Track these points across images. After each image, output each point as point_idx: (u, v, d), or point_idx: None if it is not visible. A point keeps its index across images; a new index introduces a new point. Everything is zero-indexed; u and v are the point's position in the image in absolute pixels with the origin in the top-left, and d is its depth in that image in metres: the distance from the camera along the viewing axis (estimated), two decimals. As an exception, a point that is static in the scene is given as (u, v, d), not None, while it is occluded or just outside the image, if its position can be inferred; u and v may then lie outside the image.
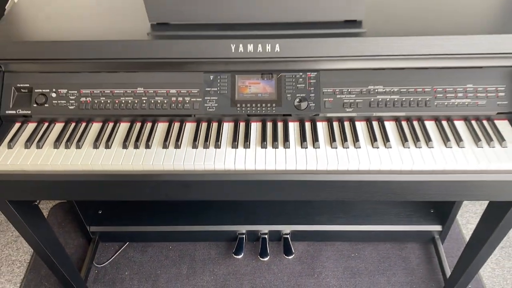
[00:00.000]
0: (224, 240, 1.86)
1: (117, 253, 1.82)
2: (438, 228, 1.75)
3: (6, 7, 1.75)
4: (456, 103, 1.16)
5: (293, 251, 1.73)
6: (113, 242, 1.87)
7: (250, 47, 1.15)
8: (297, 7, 1.17)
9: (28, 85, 1.20)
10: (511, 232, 1.86)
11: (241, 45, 1.15)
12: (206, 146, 1.13)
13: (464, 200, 1.37)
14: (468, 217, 1.94)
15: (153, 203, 1.86)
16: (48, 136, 1.17)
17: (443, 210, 1.74)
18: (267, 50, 1.15)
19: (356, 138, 1.13)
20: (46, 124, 1.21)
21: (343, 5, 1.17)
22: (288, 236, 1.78)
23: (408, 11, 1.25)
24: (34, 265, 1.79)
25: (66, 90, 1.20)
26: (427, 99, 1.16)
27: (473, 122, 1.16)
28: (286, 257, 1.71)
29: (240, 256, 1.71)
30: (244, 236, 1.78)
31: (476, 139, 1.11)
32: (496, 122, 1.16)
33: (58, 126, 1.20)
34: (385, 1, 1.30)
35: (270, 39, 1.15)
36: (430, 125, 1.16)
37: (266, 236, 1.78)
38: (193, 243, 1.86)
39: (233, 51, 1.16)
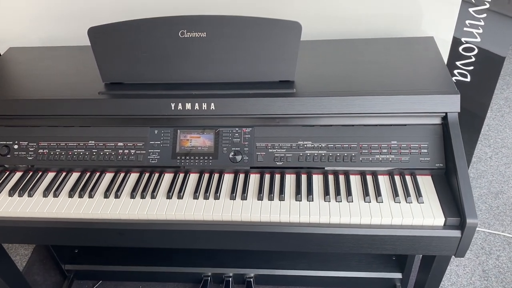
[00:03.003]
0: (191, 282, 1.92)
1: (90, 291, 1.91)
2: (398, 275, 1.76)
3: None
4: (380, 159, 1.22)
5: (255, 294, 1.78)
6: (88, 280, 1.96)
7: (188, 106, 1.26)
8: (233, 69, 1.28)
9: (-7, 137, 1.34)
10: (478, 282, 1.85)
11: (180, 104, 1.26)
12: (143, 196, 1.22)
13: (384, 253, 1.40)
14: (436, 265, 1.94)
15: (126, 243, 1.95)
16: (6, 185, 1.30)
17: (403, 258, 1.76)
18: (203, 108, 1.26)
19: (281, 191, 1.20)
20: (7, 173, 1.33)
21: (274, 67, 1.27)
22: (252, 279, 1.83)
23: (340, 73, 1.34)
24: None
25: (27, 142, 1.33)
26: (353, 154, 1.23)
27: (396, 177, 1.22)
28: (248, 300, 1.76)
29: (203, 298, 1.77)
30: (209, 278, 1.84)
31: (395, 195, 1.16)
32: (418, 177, 1.21)
33: (17, 176, 1.33)
34: (319, 63, 1.39)
35: (206, 98, 1.26)
36: (354, 180, 1.22)
37: (230, 279, 1.83)
38: (162, 283, 1.93)
39: (172, 109, 1.27)
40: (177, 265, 1.86)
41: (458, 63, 1.64)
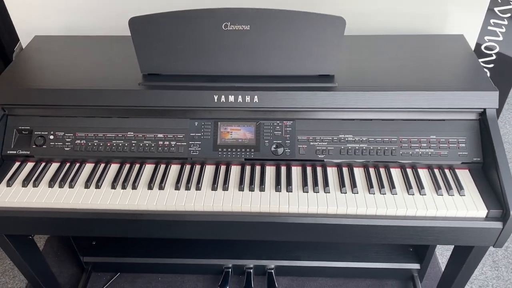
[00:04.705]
0: (211, 273, 1.93)
1: (108, 284, 1.89)
2: (416, 266, 1.81)
3: (14, 49, 1.90)
4: (420, 153, 1.25)
5: (277, 286, 1.80)
6: (105, 272, 1.94)
7: (231, 98, 1.27)
8: (275, 62, 1.29)
9: (28, 127, 1.31)
10: (489, 272, 1.92)
11: (223, 96, 1.26)
12: (187, 188, 1.23)
13: (427, 244, 1.45)
14: (448, 256, 2.00)
15: (145, 235, 1.94)
16: (44, 175, 1.28)
17: (421, 249, 1.81)
18: (246, 101, 1.27)
19: (326, 183, 1.22)
20: (43, 164, 1.31)
21: (317, 61, 1.28)
22: (272, 271, 1.85)
23: (377, 68, 1.36)
24: (28, 293, 1.87)
25: (63, 133, 1.31)
26: (393, 148, 1.26)
27: (436, 171, 1.25)
28: (269, 291, 1.78)
29: (225, 290, 1.79)
30: (230, 270, 1.85)
31: (437, 188, 1.20)
32: (457, 171, 1.25)
33: (54, 166, 1.31)
34: (356, 58, 1.41)
35: (249, 91, 1.26)
36: (395, 173, 1.25)
37: (251, 271, 1.85)
38: (181, 275, 1.93)
39: (215, 101, 1.27)
40: (197, 257, 1.87)
41: (479, 60, 1.69)
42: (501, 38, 1.62)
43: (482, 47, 1.66)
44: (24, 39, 1.67)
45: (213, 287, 1.88)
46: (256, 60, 1.29)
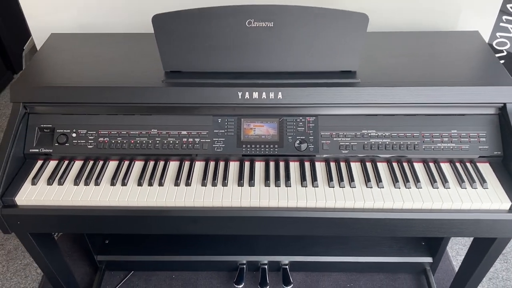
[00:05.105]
0: (226, 270, 1.94)
1: (122, 282, 1.89)
2: (429, 260, 1.84)
3: (24, 48, 1.88)
4: (442, 147, 1.28)
5: (292, 281, 1.81)
6: (119, 271, 1.94)
7: (255, 95, 1.27)
8: (299, 59, 1.30)
9: (50, 125, 1.31)
10: (498, 265, 1.96)
11: (247, 93, 1.27)
12: (214, 184, 1.23)
13: (450, 236, 1.47)
14: (458, 249, 2.04)
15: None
16: (68, 173, 1.27)
17: (433, 243, 1.84)
18: (270, 97, 1.27)
19: (351, 178, 1.24)
20: (66, 162, 1.30)
21: (340, 57, 1.30)
22: (287, 266, 1.86)
23: (397, 64, 1.38)
24: (41, 292, 1.86)
25: (86, 130, 1.31)
26: (416, 143, 1.28)
27: (458, 165, 1.27)
28: (285, 287, 1.79)
29: (241, 286, 1.79)
30: (244, 266, 1.86)
31: (460, 181, 1.22)
32: (478, 164, 1.27)
33: (78, 164, 1.30)
34: (378, 54, 1.42)
35: (273, 88, 1.27)
36: (418, 167, 1.27)
37: (266, 267, 1.86)
38: (195, 272, 1.94)
39: (239, 97, 1.28)
40: (212, 253, 1.87)
41: (490, 56, 1.72)
42: (512, 34, 1.65)
43: (494, 44, 1.69)
44: (36, 36, 1.66)
45: (228, 284, 1.89)
46: (280, 57, 1.29)
